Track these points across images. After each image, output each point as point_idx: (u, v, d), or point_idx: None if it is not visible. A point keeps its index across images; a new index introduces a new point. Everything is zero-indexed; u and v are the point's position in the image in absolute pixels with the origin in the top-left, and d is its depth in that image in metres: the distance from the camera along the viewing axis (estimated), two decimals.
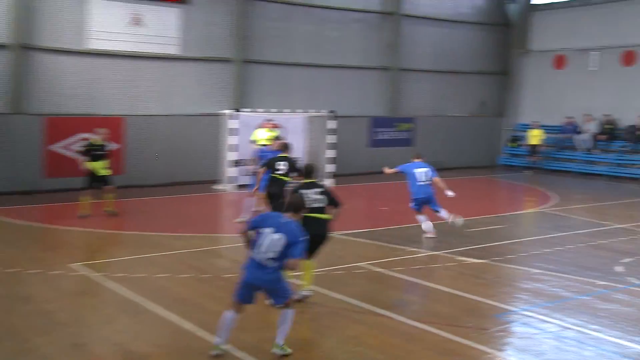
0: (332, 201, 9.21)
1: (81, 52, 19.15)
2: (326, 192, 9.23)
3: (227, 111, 20.20)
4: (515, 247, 13.08)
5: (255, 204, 14.40)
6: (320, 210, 9.03)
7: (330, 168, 21.39)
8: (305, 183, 9.27)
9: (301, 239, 7.15)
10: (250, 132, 19.51)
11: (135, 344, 7.66)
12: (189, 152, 20.78)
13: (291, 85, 23.14)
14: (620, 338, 8.11)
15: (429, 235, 13.56)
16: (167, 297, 9.37)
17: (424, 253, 12.43)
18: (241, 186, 18.88)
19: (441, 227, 14.04)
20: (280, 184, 11.83)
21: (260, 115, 20.30)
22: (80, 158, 15.12)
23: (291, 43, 23.08)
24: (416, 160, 13.84)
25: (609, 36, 25.64)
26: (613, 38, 25.52)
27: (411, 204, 13.83)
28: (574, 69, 26.84)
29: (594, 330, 8.36)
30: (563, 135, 26.62)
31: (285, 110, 21.13)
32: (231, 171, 19.68)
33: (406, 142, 25.75)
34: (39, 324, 8.20)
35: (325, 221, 9.12)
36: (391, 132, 25.43)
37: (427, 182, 13.57)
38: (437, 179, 13.66)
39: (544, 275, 10.96)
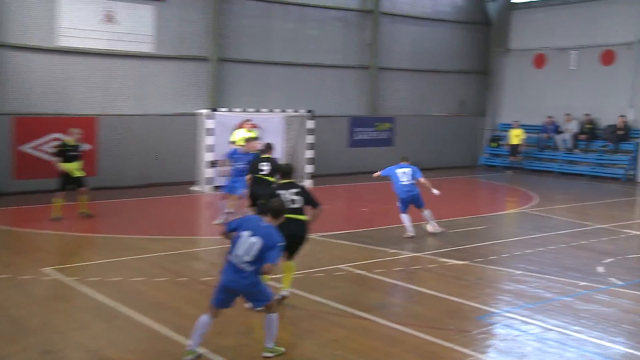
0: (310, 202, 9.19)
1: (52, 49, 18.94)
2: (304, 193, 9.21)
3: (203, 111, 20.11)
4: (497, 248, 13.17)
5: (229, 206, 14.37)
6: (297, 211, 9.02)
7: (309, 169, 21.39)
8: (283, 183, 9.25)
9: (278, 243, 7.14)
10: (227, 132, 19.43)
11: (110, 350, 7.58)
12: (165, 152, 20.66)
13: (269, 85, 23.10)
14: (601, 339, 8.20)
15: (408, 234, 13.65)
16: (142, 301, 9.30)
17: (405, 255, 12.47)
18: (218, 187, 18.81)
19: (423, 229, 14.11)
20: (263, 184, 11.83)
21: (237, 115, 20.25)
22: (54, 159, 14.97)
23: (269, 41, 23.04)
24: (401, 163, 14.11)
25: (588, 35, 25.95)
26: (592, 37, 25.83)
27: (397, 204, 13.93)
28: (554, 68, 27.13)
29: (576, 331, 8.45)
30: (544, 135, 26.88)
31: (263, 110, 21.09)
32: (208, 172, 19.60)
33: (386, 142, 25.85)
34: (8, 331, 8.09)
35: (303, 222, 9.10)
36: (371, 132, 25.50)
37: (409, 182, 13.69)
38: (422, 180, 13.80)
39: (525, 276, 11.06)
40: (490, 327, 8.65)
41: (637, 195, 21.81)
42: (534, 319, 8.87)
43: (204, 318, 7.21)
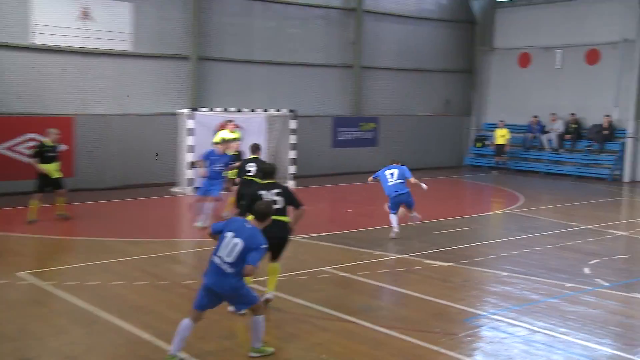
0: (293, 202, 9.15)
1: (26, 47, 18.77)
2: (286, 193, 9.18)
3: (183, 110, 20.03)
4: (483, 250, 13.23)
5: (224, 209, 14.35)
6: (279, 212, 8.99)
7: (291, 169, 21.38)
8: (265, 184, 9.23)
9: (261, 246, 7.13)
10: (209, 132, 19.43)
11: (88, 356, 7.54)
12: (144, 153, 20.58)
13: (251, 84, 23.07)
14: (588, 341, 8.27)
15: (393, 231, 13.73)
16: (122, 305, 9.24)
17: (390, 256, 12.50)
18: (198, 189, 18.75)
19: (408, 230, 14.17)
20: (250, 185, 11.80)
21: (218, 115, 20.21)
22: (32, 160, 14.84)
23: (250, 40, 23.01)
24: (391, 165, 14.25)
25: (573, 34, 26.20)
26: (577, 36, 26.08)
27: (388, 205, 14.03)
28: (539, 67, 27.35)
29: (563, 333, 8.51)
30: (529, 135, 27.08)
31: (244, 110, 21.05)
32: (189, 173, 19.53)
33: (370, 142, 25.92)
34: None
35: (284, 223, 9.07)
36: (355, 132, 25.55)
37: (397, 182, 13.74)
38: (412, 180, 13.89)
39: (512, 278, 11.13)
40: (476, 330, 8.70)
41: (623, 195, 22.04)
42: (521, 321, 8.93)
43: (186, 322, 7.18)
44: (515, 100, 28.08)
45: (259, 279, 9.42)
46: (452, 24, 28.57)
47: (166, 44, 21.14)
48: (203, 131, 19.44)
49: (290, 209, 9.22)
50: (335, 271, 11.24)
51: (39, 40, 18.90)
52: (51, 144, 14.89)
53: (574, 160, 25.90)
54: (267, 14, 23.37)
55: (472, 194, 23.13)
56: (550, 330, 8.59)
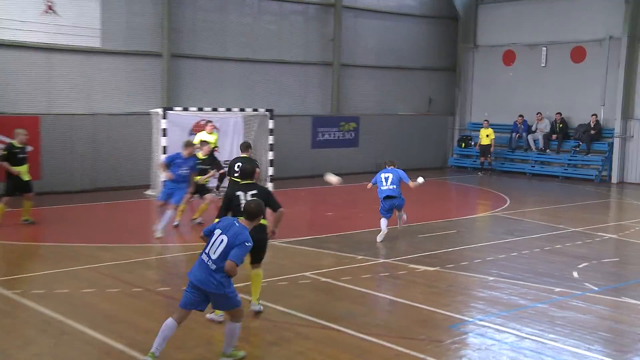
0: (270, 204, 9.09)
1: None
2: (263, 195, 9.12)
3: (156, 110, 19.91)
4: (469, 254, 13.30)
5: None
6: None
7: (269, 171, 21.33)
8: (242, 184, 9.20)
9: (246, 243, 7.20)
10: (183, 132, 19.39)
11: None
12: (115, 154, 20.45)
13: (226, 82, 23.01)
14: (577, 347, 8.33)
15: (381, 234, 13.85)
16: (93, 314, 9.15)
17: (373, 261, 12.51)
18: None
19: (392, 234, 14.21)
20: (234, 186, 11.74)
21: (193, 114, 20.14)
22: (3, 163, 14.66)
23: (225, 36, 22.95)
24: (387, 167, 14.36)
25: (557, 31, 26.47)
26: (562, 33, 26.35)
27: (380, 207, 14.17)
28: (524, 65, 27.59)
29: (552, 339, 8.56)
30: (515, 135, 27.28)
31: (220, 109, 20.97)
32: (163, 175, 19.38)
33: (351, 143, 25.96)
34: None
35: (262, 226, 9.02)
36: (335, 132, 25.57)
37: (391, 187, 13.92)
38: (411, 184, 14.10)
39: (499, 282, 11.19)
40: (463, 337, 8.72)
41: (611, 197, 22.27)
42: (509, 327, 8.97)
43: (169, 321, 7.24)
44: (500, 99, 28.29)
45: (241, 284, 9.37)
46: (433, 20, 28.72)
47: (137, 40, 21.01)
48: (177, 131, 19.34)
49: (269, 211, 9.16)
50: (316, 276, 11.22)
51: (0, 35, 18.68)
52: (20, 145, 14.76)
53: (560, 160, 26.15)
54: (243, 9, 23.32)
55: (457, 196, 23.25)
56: (539, 337, 8.64)
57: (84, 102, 20.20)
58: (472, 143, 28.57)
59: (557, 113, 26.14)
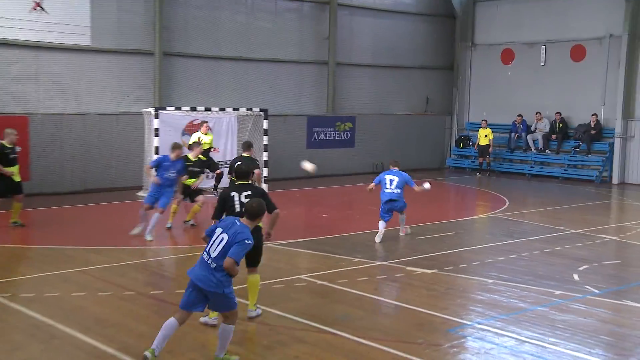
0: (265, 205, 9.09)
1: None
2: (257, 196, 9.10)
3: (148, 109, 19.89)
4: (467, 256, 13.31)
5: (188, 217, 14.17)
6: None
7: (264, 172, 21.28)
8: (236, 185, 9.20)
9: (246, 241, 7.27)
10: (175, 132, 19.37)
11: None
12: (106, 155, 20.42)
13: (219, 81, 23.00)
14: (578, 351, 8.34)
15: (379, 235, 14.04)
16: (84, 318, 9.13)
17: (370, 263, 12.51)
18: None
19: (389, 236, 14.22)
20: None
21: (185, 114, 20.12)
22: None
23: (218, 34, 22.95)
24: (392, 168, 14.52)
25: (557, 29, 26.53)
26: (561, 31, 26.41)
27: (380, 209, 14.32)
28: (523, 64, 27.64)
29: (552, 343, 8.57)
30: (514, 135, 27.31)
31: (213, 109, 20.93)
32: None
33: (347, 143, 25.96)
34: None
35: (257, 228, 9.01)
36: (331, 132, 25.57)
37: (396, 191, 14.08)
38: (416, 188, 14.26)
39: (498, 285, 11.20)
40: (462, 340, 8.73)
41: (612, 198, 22.32)
42: (508, 331, 8.98)
43: (171, 320, 7.33)
44: (499, 99, 28.34)
45: (236, 287, 9.36)
46: (431, 18, 28.76)
47: (128, 38, 20.99)
48: (169, 131, 19.32)
49: None
50: (312, 279, 11.22)
51: None
52: (10, 145, 14.74)
53: (560, 161, 26.20)
54: (236, 7, 23.32)
55: (455, 197, 23.27)
56: (539, 340, 8.65)
57: (73, 101, 20.17)
58: (471, 143, 28.62)
59: (557, 113, 26.19)
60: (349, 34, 26.21)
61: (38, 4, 19.22)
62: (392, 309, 10.00)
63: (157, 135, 19.18)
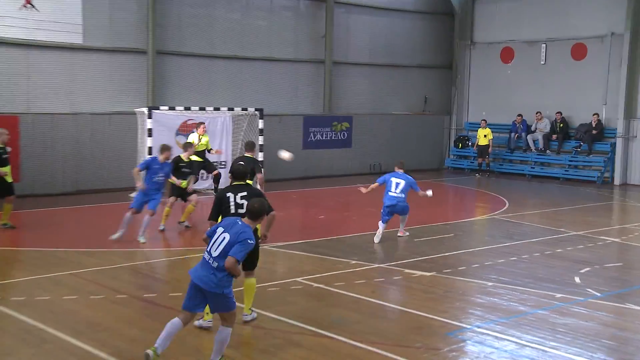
0: None
1: None
2: (254, 196, 9.09)
3: (141, 109, 19.88)
4: (466, 258, 13.32)
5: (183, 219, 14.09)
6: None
7: None
8: (232, 186, 9.19)
9: (248, 240, 7.32)
10: (169, 132, 19.36)
11: None
12: (98, 155, 20.40)
13: (213, 80, 22.99)
14: (579, 355, 8.34)
15: (378, 235, 14.14)
16: (76, 322, 9.11)
17: (367, 266, 12.51)
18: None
19: (387, 236, 14.22)
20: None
21: (179, 113, 20.12)
22: None
23: (213, 32, 22.94)
24: (397, 170, 14.70)
25: (557, 27, 26.55)
26: (562, 30, 26.44)
27: (382, 210, 14.42)
28: (523, 63, 27.67)
29: (553, 347, 8.58)
30: (514, 135, 27.34)
31: (207, 109, 20.94)
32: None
33: (344, 144, 25.97)
34: None
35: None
36: (327, 132, 25.58)
37: (400, 195, 14.28)
38: (420, 193, 14.49)
39: (497, 288, 11.20)
40: (461, 344, 8.73)
41: (614, 199, 22.35)
42: (508, 335, 8.99)
43: (175, 320, 7.39)
44: (498, 98, 28.36)
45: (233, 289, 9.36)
46: (429, 16, 28.78)
47: (120, 36, 20.97)
48: (163, 131, 19.30)
49: None
50: (308, 282, 11.22)
51: None
52: (2, 146, 14.73)
53: (561, 161, 26.24)
54: (231, 5, 23.31)
55: (454, 199, 23.29)
56: (540, 344, 8.65)
57: (65, 100, 20.14)
58: (470, 143, 28.65)
59: (558, 112, 26.23)
60: (346, 32, 26.23)
61: (28, 1, 19.18)
62: (390, 312, 10.00)
63: (150, 135, 19.21)
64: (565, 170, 25.85)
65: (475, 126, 28.24)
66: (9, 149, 15.55)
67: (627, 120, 24.94)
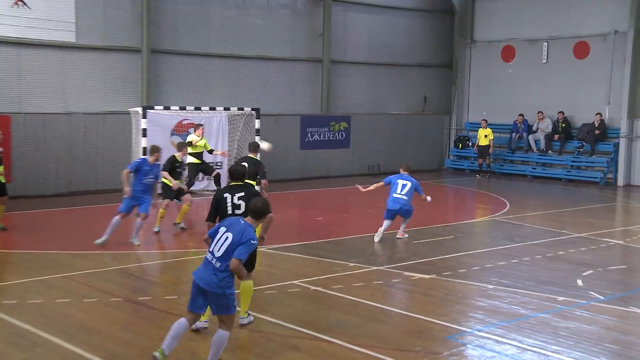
0: None
1: None
2: (250, 197, 9.08)
3: (135, 109, 19.87)
4: (467, 260, 13.33)
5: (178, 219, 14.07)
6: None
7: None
8: (230, 186, 9.20)
9: (252, 241, 7.35)
10: (164, 132, 19.36)
11: None
12: (92, 156, 20.39)
13: (209, 80, 23.00)
14: (582, 359, 8.36)
15: (378, 234, 14.30)
16: (68, 326, 9.10)
17: (366, 268, 12.51)
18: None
19: (387, 237, 14.23)
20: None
21: (174, 113, 20.11)
22: None
23: (208, 31, 22.94)
24: (402, 172, 14.80)
25: (559, 25, 26.58)
26: (564, 28, 26.46)
27: (385, 213, 14.54)
28: (524, 62, 27.70)
29: (555, 351, 8.58)
30: (515, 135, 27.36)
31: (203, 108, 20.94)
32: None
33: (342, 144, 25.97)
34: None
35: None
36: (325, 132, 25.58)
37: (405, 198, 14.38)
38: (423, 197, 14.62)
39: (498, 291, 11.20)
40: (461, 348, 8.73)
41: (617, 200, 22.38)
42: (509, 338, 8.99)
43: (181, 320, 7.45)
44: (499, 98, 28.38)
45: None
46: (428, 14, 28.80)
47: (114, 34, 20.97)
48: (158, 131, 19.30)
49: None
50: (306, 285, 11.21)
51: None
52: None
53: (563, 162, 26.25)
54: (226, 2, 23.32)
55: (454, 200, 23.30)
56: (541, 348, 8.66)
57: (58, 100, 20.13)
58: (470, 144, 28.66)
59: (560, 112, 26.25)
60: (344, 31, 26.24)
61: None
62: (389, 315, 9.99)
63: (145, 135, 19.19)
64: (568, 171, 25.87)
65: (475, 126, 28.26)
66: (0, 149, 15.54)
67: (630, 120, 24.96)
